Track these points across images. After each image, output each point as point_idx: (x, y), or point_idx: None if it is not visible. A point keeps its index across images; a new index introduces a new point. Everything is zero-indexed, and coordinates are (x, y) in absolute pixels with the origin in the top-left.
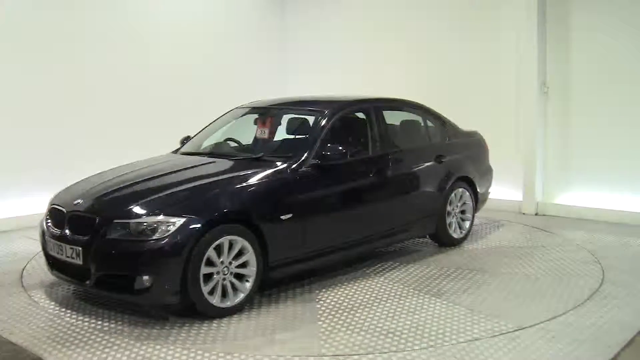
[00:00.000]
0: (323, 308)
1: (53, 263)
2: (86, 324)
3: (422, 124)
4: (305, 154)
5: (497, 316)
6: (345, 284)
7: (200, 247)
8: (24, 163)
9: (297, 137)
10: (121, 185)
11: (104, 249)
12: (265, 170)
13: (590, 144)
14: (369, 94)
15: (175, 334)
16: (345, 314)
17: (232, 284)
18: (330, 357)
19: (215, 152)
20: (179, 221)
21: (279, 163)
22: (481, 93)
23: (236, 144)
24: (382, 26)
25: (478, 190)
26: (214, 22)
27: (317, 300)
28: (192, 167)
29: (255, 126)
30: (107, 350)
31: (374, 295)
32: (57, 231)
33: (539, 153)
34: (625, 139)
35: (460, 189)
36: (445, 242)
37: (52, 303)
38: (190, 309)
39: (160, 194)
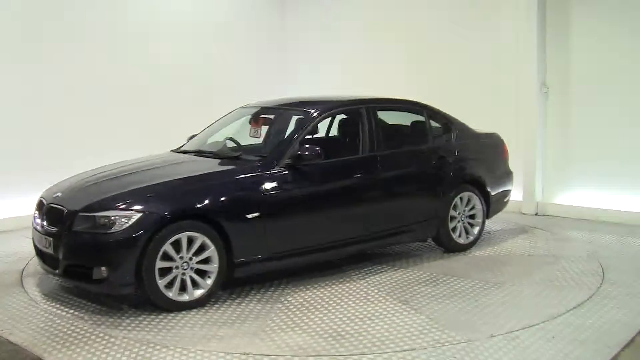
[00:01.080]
0: (284, 307)
1: (38, 253)
2: (86, 324)
3: (424, 125)
4: (279, 154)
5: (451, 328)
6: (321, 285)
7: (156, 241)
8: (24, 163)
9: (281, 137)
10: (96, 181)
11: (69, 240)
12: (236, 169)
13: (590, 144)
14: (371, 93)
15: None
16: (300, 314)
17: (193, 279)
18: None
19: (206, 150)
20: (136, 216)
21: (252, 162)
22: (481, 93)
23: (234, 143)
24: (382, 26)
25: (490, 195)
26: (214, 22)
27: (283, 299)
28: (170, 165)
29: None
30: (107, 350)
31: (341, 297)
32: (38, 222)
33: (539, 153)
34: (625, 139)
35: (468, 193)
36: (449, 247)
37: (52, 303)
38: (148, 300)
39: (124, 190)
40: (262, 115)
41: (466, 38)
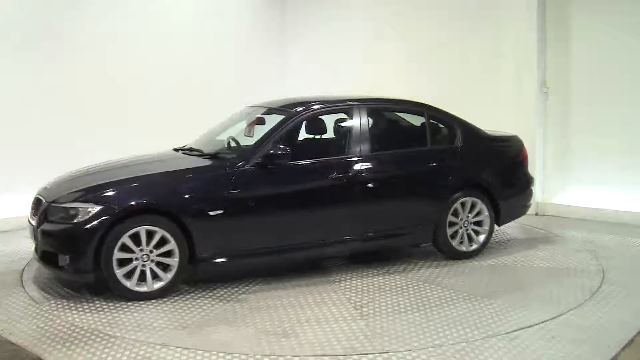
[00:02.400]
0: (225, 307)
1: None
2: (86, 324)
3: (422, 126)
4: (250, 153)
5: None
6: (282, 287)
7: (114, 233)
8: (24, 163)
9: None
10: (79, 175)
11: (43, 228)
12: (204, 167)
13: (590, 144)
14: (371, 94)
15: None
16: (222, 313)
17: (153, 271)
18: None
19: (197, 149)
20: (96, 208)
21: (223, 161)
22: (481, 93)
23: (234, 143)
24: (382, 26)
25: (500, 201)
26: (214, 22)
27: (236, 298)
28: (154, 162)
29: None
30: (107, 350)
31: (282, 301)
32: (30, 213)
33: (538, 153)
34: (626, 139)
35: (471, 199)
36: (448, 254)
37: (52, 303)
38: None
39: (92, 184)
40: (257, 115)
41: (466, 38)
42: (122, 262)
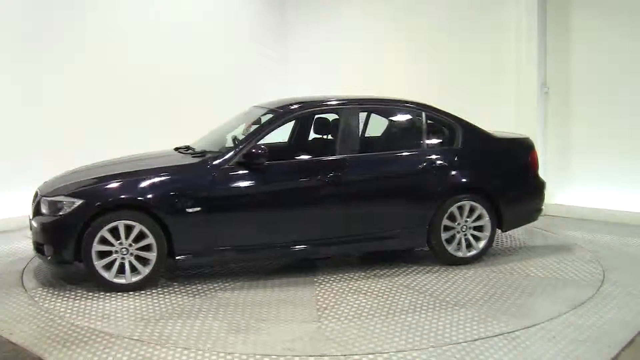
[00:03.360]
0: (194, 301)
1: None
2: (86, 323)
3: (417, 128)
4: (231, 152)
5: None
6: (260, 285)
7: (94, 226)
8: (24, 163)
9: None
10: (77, 171)
11: (34, 221)
12: (186, 165)
13: (590, 144)
14: (369, 94)
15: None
16: (180, 310)
17: (132, 264)
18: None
19: (193, 147)
20: (77, 202)
21: (208, 159)
22: (481, 93)
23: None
24: (382, 26)
25: (502, 206)
26: (214, 22)
27: (207, 294)
28: (147, 159)
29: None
30: (107, 350)
31: (252, 298)
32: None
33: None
34: (626, 139)
35: (469, 202)
36: (444, 259)
37: (52, 303)
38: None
39: (78, 180)
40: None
41: (466, 38)
42: (103, 255)
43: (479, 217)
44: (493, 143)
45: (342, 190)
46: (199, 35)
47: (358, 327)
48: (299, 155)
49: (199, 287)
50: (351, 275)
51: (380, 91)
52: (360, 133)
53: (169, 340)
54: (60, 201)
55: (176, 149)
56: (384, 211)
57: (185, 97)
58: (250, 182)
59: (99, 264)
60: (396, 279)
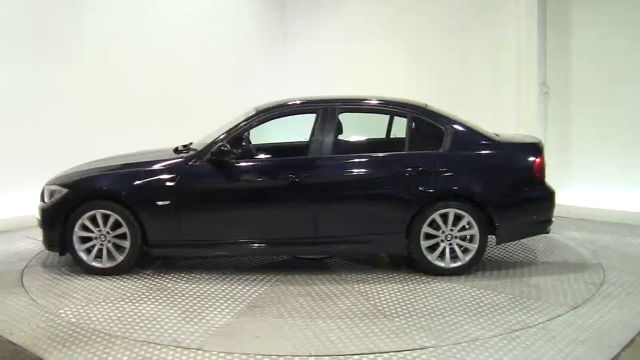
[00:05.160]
0: (149, 286)
1: None
2: (86, 324)
3: (401, 129)
4: (202, 151)
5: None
6: (219, 278)
7: (76, 214)
8: (25, 163)
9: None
10: (85, 164)
11: (37, 207)
12: (161, 160)
13: (590, 144)
14: (373, 93)
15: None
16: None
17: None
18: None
19: (193, 146)
20: (64, 191)
21: (185, 156)
22: (481, 93)
23: None
24: (382, 26)
25: (494, 216)
26: (214, 22)
27: (164, 283)
28: (139, 155)
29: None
30: (107, 350)
31: (197, 290)
32: None
33: None
34: (626, 139)
35: (455, 210)
36: (425, 269)
37: (52, 303)
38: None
39: (73, 171)
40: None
41: (466, 38)
42: (85, 240)
43: (467, 227)
44: (489, 147)
45: (309, 192)
46: (199, 35)
47: (269, 327)
48: (277, 156)
49: (163, 277)
50: (312, 278)
51: (380, 91)
52: (335, 134)
53: (172, 342)
54: (54, 190)
55: (177, 147)
56: (355, 215)
57: (185, 97)
58: (215, 179)
59: (79, 247)
60: (360, 285)
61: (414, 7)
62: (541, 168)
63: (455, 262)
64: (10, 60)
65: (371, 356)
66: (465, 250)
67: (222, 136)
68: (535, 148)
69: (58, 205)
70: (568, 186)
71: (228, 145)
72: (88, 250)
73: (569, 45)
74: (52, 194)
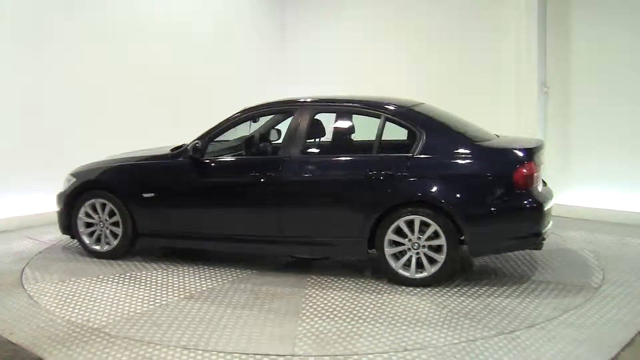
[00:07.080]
0: (130, 274)
1: None
2: (86, 323)
3: (372, 131)
4: (185, 147)
5: None
6: (201, 272)
7: (79, 202)
8: (25, 163)
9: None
10: (107, 156)
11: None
12: (151, 157)
13: (590, 144)
14: (374, 93)
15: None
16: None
17: (107, 237)
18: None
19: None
20: (72, 180)
21: (170, 153)
22: (481, 93)
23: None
24: (382, 26)
25: (465, 227)
26: (214, 22)
27: (142, 273)
28: (139, 152)
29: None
30: (107, 350)
31: (167, 279)
32: None
33: None
34: (626, 139)
35: (421, 217)
36: (389, 277)
37: (52, 303)
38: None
39: (87, 164)
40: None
41: (466, 38)
42: (88, 225)
43: (434, 236)
44: (466, 153)
45: (275, 191)
46: (199, 36)
47: (196, 319)
48: (253, 154)
49: (149, 268)
50: (286, 275)
51: (380, 91)
52: (307, 135)
53: (170, 341)
54: (69, 178)
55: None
56: (317, 216)
57: (185, 97)
58: (190, 175)
59: (83, 231)
60: (313, 291)
61: (414, 7)
62: (525, 176)
63: (420, 272)
64: (10, 60)
65: (371, 356)
66: (433, 261)
67: (212, 133)
68: (524, 154)
69: (69, 192)
70: (568, 186)
71: (200, 143)
72: (91, 235)
73: (569, 45)
74: (67, 181)
